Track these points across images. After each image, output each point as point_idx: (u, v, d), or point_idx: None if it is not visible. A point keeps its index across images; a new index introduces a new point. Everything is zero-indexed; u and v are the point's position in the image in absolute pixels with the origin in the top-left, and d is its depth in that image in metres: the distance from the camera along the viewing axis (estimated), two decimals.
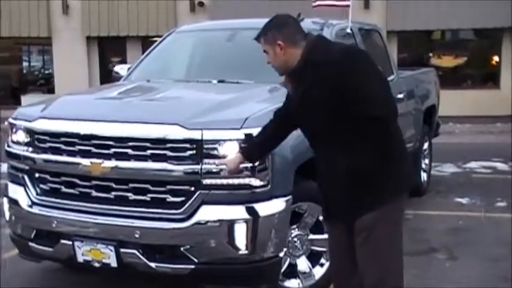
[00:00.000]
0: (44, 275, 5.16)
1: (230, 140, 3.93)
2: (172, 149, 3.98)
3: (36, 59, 21.77)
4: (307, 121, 3.28)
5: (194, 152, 3.96)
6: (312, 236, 4.54)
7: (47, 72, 20.82)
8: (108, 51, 19.60)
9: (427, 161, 8.10)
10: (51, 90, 19.23)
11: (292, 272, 4.52)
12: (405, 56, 18.15)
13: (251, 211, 3.99)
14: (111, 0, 18.35)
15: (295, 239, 4.50)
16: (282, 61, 3.24)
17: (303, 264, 4.55)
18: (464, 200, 7.67)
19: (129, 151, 4.05)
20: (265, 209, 4.03)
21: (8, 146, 4.59)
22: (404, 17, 17.18)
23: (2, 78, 21.40)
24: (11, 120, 4.57)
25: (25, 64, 21.77)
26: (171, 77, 5.46)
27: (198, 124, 3.96)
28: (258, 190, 3.99)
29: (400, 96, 6.66)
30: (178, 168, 3.97)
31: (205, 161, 3.94)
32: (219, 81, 5.12)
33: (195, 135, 3.93)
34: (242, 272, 4.09)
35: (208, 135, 3.93)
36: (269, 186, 4.02)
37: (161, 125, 4.01)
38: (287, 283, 4.47)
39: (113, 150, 4.09)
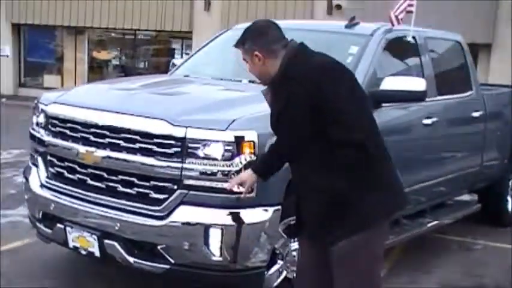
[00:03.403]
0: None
1: (215, 141, 3.78)
2: (158, 145, 3.90)
3: (183, 53, 22.74)
4: (283, 136, 3.13)
5: (179, 149, 3.84)
6: None
7: None
8: None
9: None
10: None
11: (289, 286, 4.25)
12: None
13: (230, 217, 3.81)
14: (250, 0, 18.68)
15: (294, 253, 4.23)
16: (261, 71, 3.11)
17: None
18: None
19: (121, 142, 4.03)
20: (247, 216, 3.84)
21: (32, 128, 4.75)
22: None
23: (154, 69, 22.61)
24: (35, 102, 4.73)
25: (176, 57, 22.81)
26: (210, 73, 5.35)
27: (184, 121, 3.84)
28: (241, 196, 3.79)
29: (476, 114, 6.08)
30: (162, 164, 3.87)
31: (189, 160, 3.81)
32: (250, 81, 4.94)
33: (180, 132, 3.82)
34: (219, 279, 3.92)
35: (192, 133, 3.80)
36: (254, 193, 3.80)
37: (149, 119, 3.94)
38: None
39: (107, 140, 4.08)
